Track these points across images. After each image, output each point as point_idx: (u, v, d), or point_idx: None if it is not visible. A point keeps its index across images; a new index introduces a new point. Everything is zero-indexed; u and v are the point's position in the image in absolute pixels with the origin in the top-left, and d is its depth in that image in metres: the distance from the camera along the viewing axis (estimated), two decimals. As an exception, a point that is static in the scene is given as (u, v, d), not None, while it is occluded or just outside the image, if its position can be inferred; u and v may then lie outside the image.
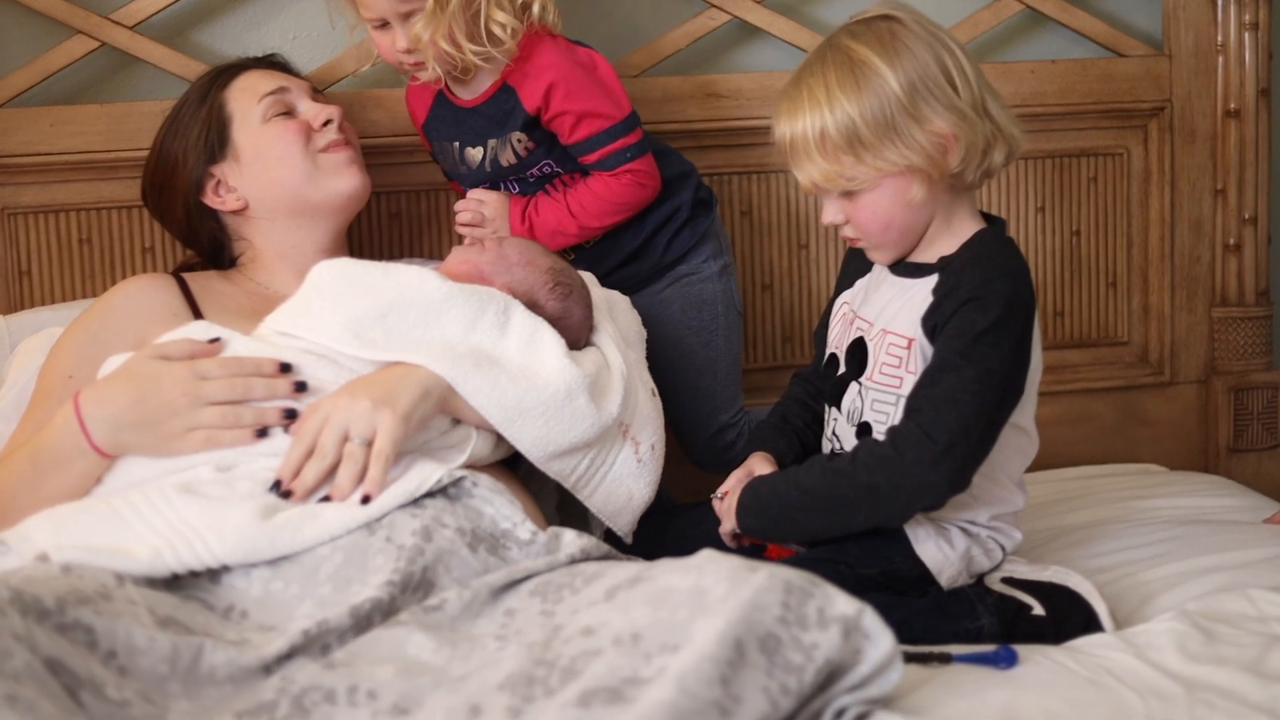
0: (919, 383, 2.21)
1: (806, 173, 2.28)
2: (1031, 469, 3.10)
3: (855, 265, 2.47)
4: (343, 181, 2.63)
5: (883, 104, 2.20)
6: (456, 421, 2.31)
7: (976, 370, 2.16)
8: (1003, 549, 2.37)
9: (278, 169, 2.60)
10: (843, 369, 2.40)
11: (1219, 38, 3.25)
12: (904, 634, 1.77)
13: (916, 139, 2.21)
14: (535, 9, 2.66)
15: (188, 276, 2.62)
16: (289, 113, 2.64)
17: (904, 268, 2.33)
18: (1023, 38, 3.29)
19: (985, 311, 2.18)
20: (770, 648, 1.69)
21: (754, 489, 2.33)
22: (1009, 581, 2.37)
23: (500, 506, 2.18)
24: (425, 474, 2.17)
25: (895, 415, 2.27)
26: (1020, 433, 2.34)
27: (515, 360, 2.31)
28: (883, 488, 2.19)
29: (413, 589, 2.01)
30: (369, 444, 2.16)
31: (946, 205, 2.30)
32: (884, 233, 2.29)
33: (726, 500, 2.38)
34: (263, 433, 2.23)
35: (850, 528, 2.28)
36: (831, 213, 2.31)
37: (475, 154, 2.75)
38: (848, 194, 2.28)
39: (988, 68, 3.06)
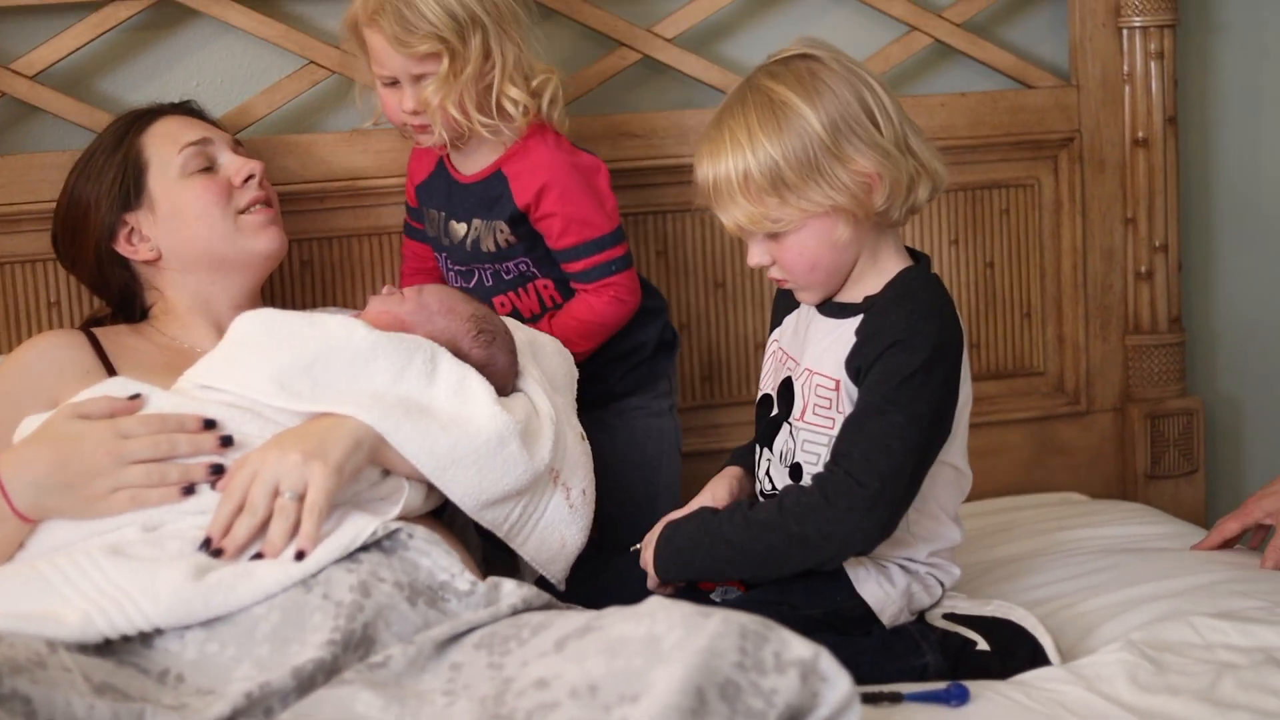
0: (845, 427, 2.20)
1: (731, 215, 2.25)
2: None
3: (784, 303, 2.46)
4: (261, 242, 2.58)
5: (805, 144, 2.18)
6: (386, 472, 2.28)
7: (904, 415, 2.16)
8: (942, 585, 2.37)
9: (195, 226, 2.54)
10: (775, 410, 2.38)
11: (1125, 67, 3.26)
12: (850, 674, 1.76)
13: (840, 179, 2.19)
14: (545, 99, 2.65)
15: (98, 332, 2.56)
16: (210, 167, 2.57)
17: (830, 307, 2.32)
18: (932, 71, 3.29)
19: (911, 354, 2.17)
20: (730, 695, 1.68)
21: (669, 540, 2.31)
22: (951, 617, 2.36)
23: (437, 557, 2.15)
24: (360, 527, 2.14)
25: (826, 457, 2.26)
26: (952, 469, 2.33)
27: (445, 409, 2.28)
28: (813, 537, 2.19)
29: (354, 646, 1.99)
30: (300, 498, 2.12)
31: (872, 243, 2.28)
32: (810, 273, 2.27)
33: (644, 553, 2.36)
34: (189, 490, 2.19)
35: (779, 574, 2.27)
36: (757, 254, 2.29)
37: (459, 229, 2.72)
38: (773, 235, 2.25)
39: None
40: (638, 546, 2.39)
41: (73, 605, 1.99)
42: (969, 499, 3.06)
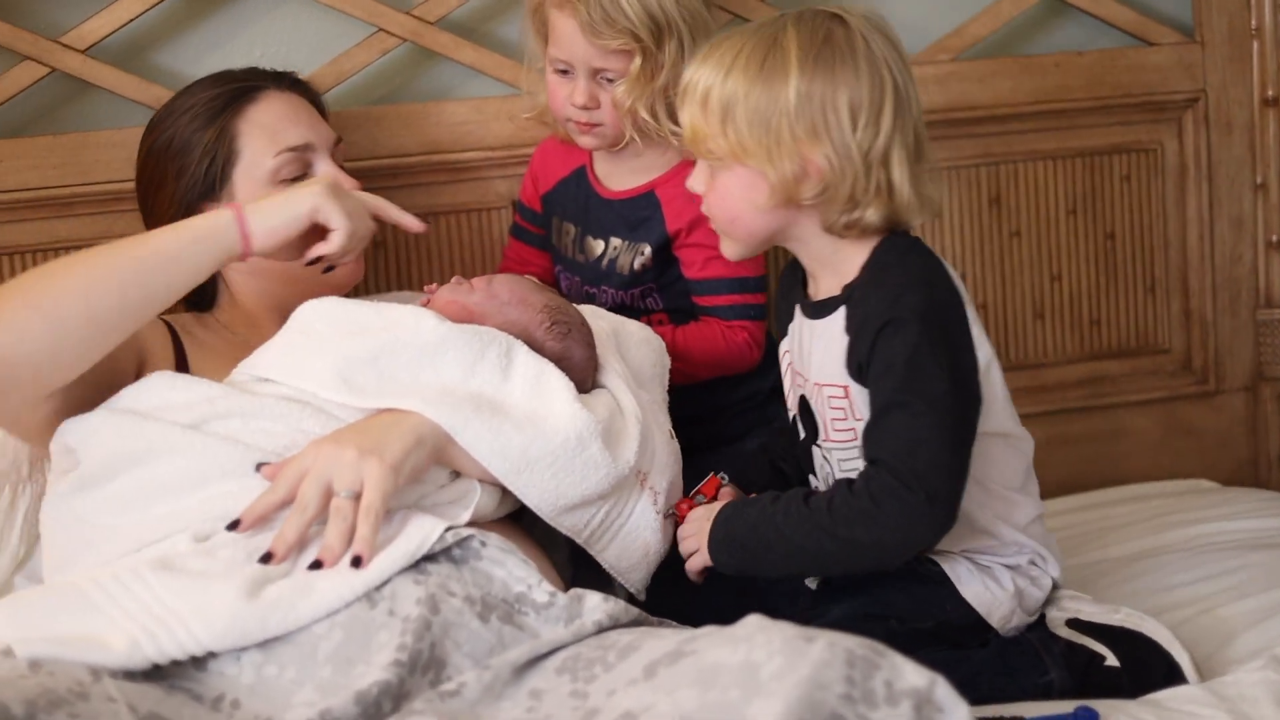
0: (869, 428, 2.03)
1: (684, 118, 2.14)
2: (1070, 491, 2.92)
3: (785, 305, 2.29)
4: (338, 273, 2.42)
5: (771, 102, 2.04)
6: (456, 474, 2.14)
7: (923, 401, 1.98)
8: (1048, 573, 2.21)
9: None
10: (802, 434, 2.24)
11: (1253, 21, 3.13)
12: (968, 696, 1.62)
13: (783, 151, 2.04)
14: None
15: (173, 320, 2.42)
16: (302, 175, 2.42)
17: (814, 308, 2.16)
18: (1046, 28, 3.16)
19: (904, 334, 2.00)
20: (836, 732, 1.55)
21: (726, 524, 2.14)
22: (1076, 625, 2.21)
23: (513, 567, 2.01)
24: (426, 531, 2.00)
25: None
26: (1000, 439, 2.15)
27: (520, 406, 2.14)
28: (865, 543, 2.02)
29: (422, 668, 1.85)
30: (357, 498, 1.99)
31: (810, 229, 2.12)
32: (729, 224, 2.15)
33: (692, 532, 2.19)
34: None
35: (834, 574, 2.18)
36: (696, 178, 2.16)
37: (596, 246, 2.64)
38: (714, 166, 2.13)
39: (1009, 61, 3.00)
40: (673, 513, 2.25)
41: (119, 628, 1.86)
42: (1088, 487, 2.96)
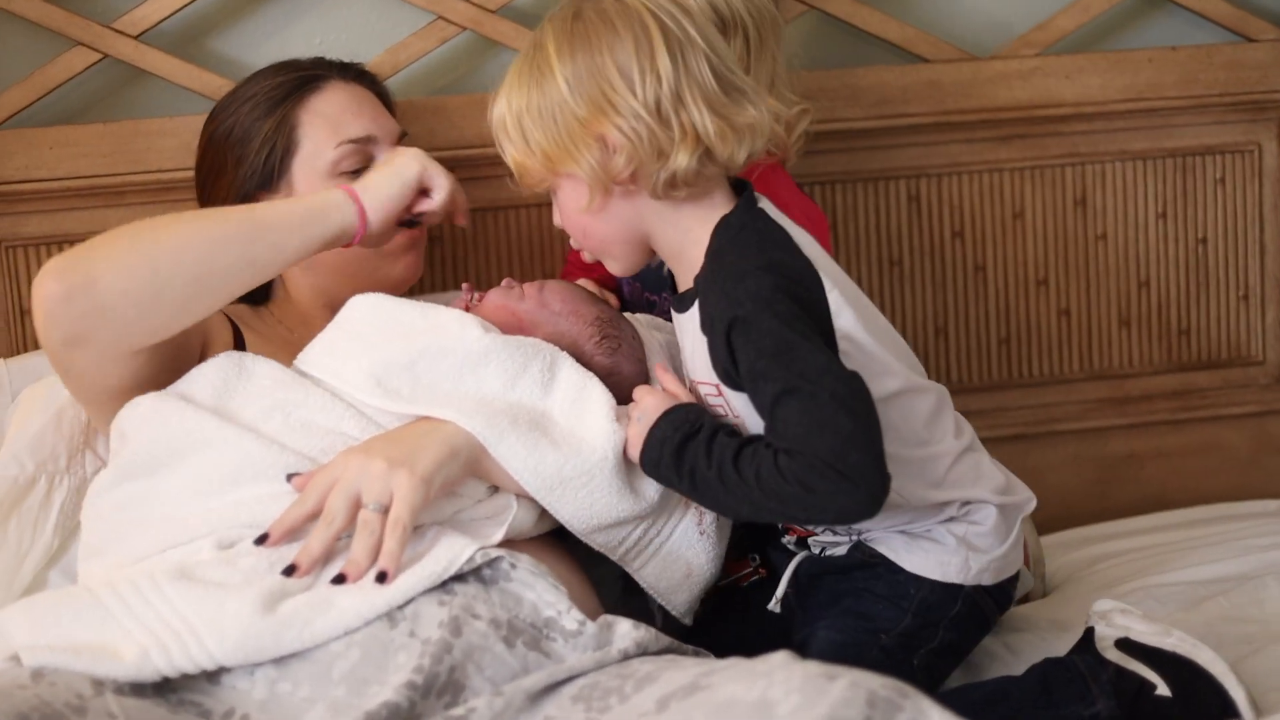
0: (768, 424, 1.92)
1: (506, 157, 2.10)
2: (1153, 508, 2.82)
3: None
4: (397, 269, 2.39)
5: (547, 99, 2.01)
6: (494, 488, 2.07)
7: (808, 381, 1.87)
8: (988, 503, 2.11)
9: None
10: None
11: None
12: None
13: (576, 140, 2.00)
14: (795, 133, 2.52)
15: (228, 309, 2.37)
16: (363, 169, 2.35)
17: (676, 302, 2.09)
18: (1138, 22, 3.06)
19: (756, 328, 1.90)
20: (854, 779, 1.49)
21: (661, 447, 2.01)
22: (1125, 646, 2.10)
23: (543, 591, 1.94)
24: (455, 552, 1.93)
25: None
26: (888, 402, 2.02)
27: (560, 422, 2.07)
28: (801, 516, 1.98)
29: (437, 692, 1.79)
30: (385, 510, 1.93)
31: (668, 213, 2.04)
32: (586, 240, 2.10)
33: (636, 422, 2.07)
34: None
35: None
36: (555, 214, 2.13)
37: None
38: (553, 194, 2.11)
39: (1098, 57, 2.90)
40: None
41: (131, 638, 1.82)
42: (1171, 504, 2.92)
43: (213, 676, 1.82)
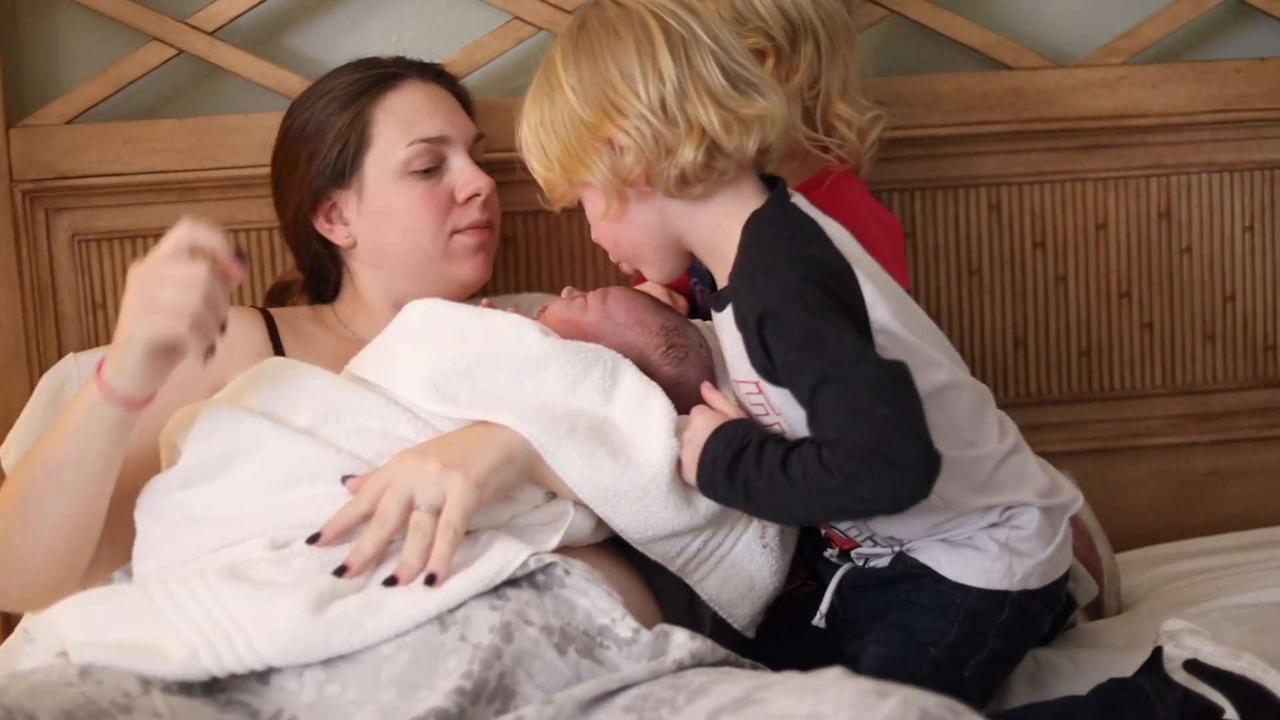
0: (809, 417, 1.90)
1: (538, 179, 2.13)
2: (1236, 526, 2.77)
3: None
4: (464, 270, 2.37)
5: (558, 111, 2.04)
6: (552, 494, 2.05)
7: (841, 369, 1.85)
8: (1032, 506, 2.06)
9: (399, 235, 2.34)
10: None
11: None
12: None
13: (586, 147, 2.02)
14: (869, 139, 2.47)
15: (276, 312, 2.39)
16: (435, 169, 2.35)
17: (714, 301, 2.07)
18: (1227, 32, 2.99)
19: (786, 321, 1.89)
20: (905, 798, 1.46)
21: (713, 467, 1.99)
22: (1194, 668, 2.05)
23: (597, 599, 1.91)
24: (508, 556, 1.91)
25: None
26: (936, 396, 1.99)
27: (619, 430, 2.05)
28: (852, 509, 1.93)
29: (487, 698, 1.77)
30: (437, 513, 1.92)
31: (696, 212, 2.04)
32: (618, 248, 2.11)
33: (689, 444, 2.05)
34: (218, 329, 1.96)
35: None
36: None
37: None
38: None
39: (1184, 67, 2.84)
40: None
41: (180, 637, 1.81)
42: (1261, 523, 2.78)
43: (262, 677, 1.81)
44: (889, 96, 2.74)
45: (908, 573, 2.05)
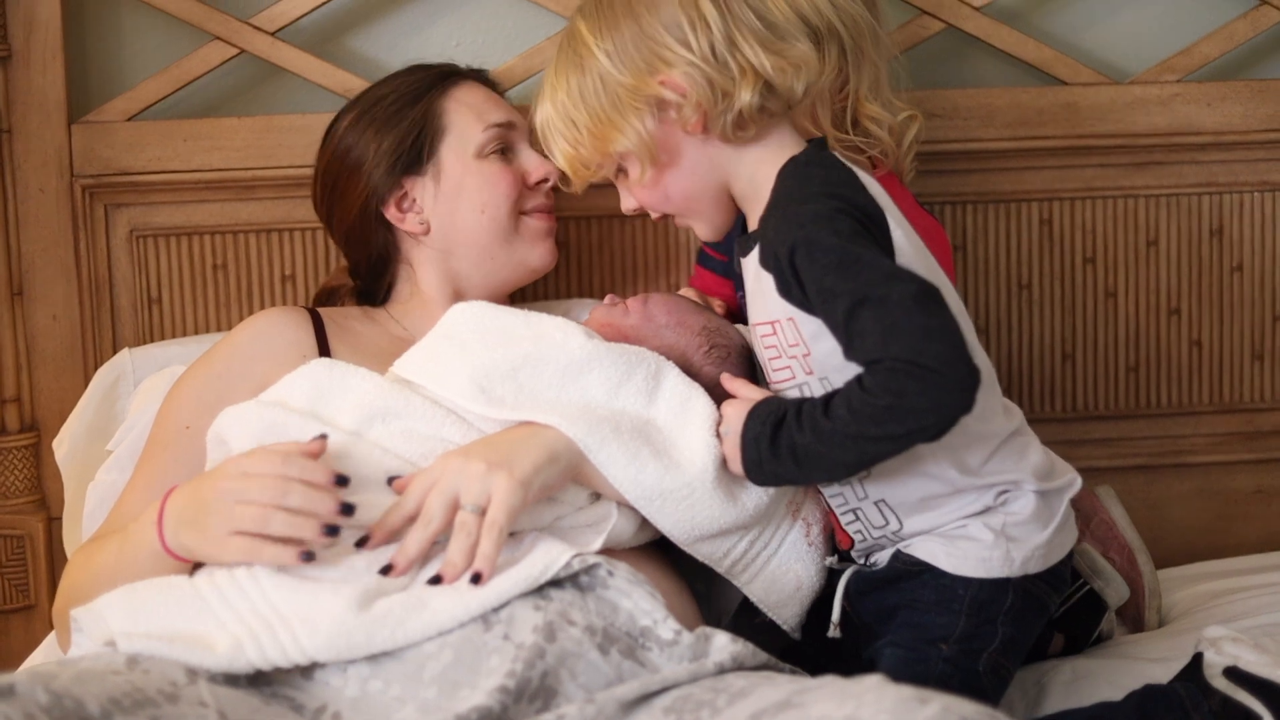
0: (846, 344, 1.90)
1: (557, 159, 2.17)
2: (1277, 546, 2.78)
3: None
4: (535, 254, 2.43)
5: (590, 78, 2.07)
6: (596, 496, 2.06)
7: (877, 288, 1.85)
8: (1024, 489, 2.05)
9: (476, 214, 2.38)
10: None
11: None
12: None
13: (626, 106, 2.05)
14: (905, 141, 2.43)
15: (324, 312, 2.40)
16: (508, 151, 2.42)
17: (742, 243, 2.09)
18: None
19: (817, 247, 1.90)
20: (942, 806, 1.46)
21: (756, 445, 1.99)
22: (1233, 675, 2.04)
23: (640, 600, 1.92)
24: (552, 556, 1.93)
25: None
26: None
27: (663, 431, 2.06)
28: (900, 433, 1.88)
29: (529, 697, 1.78)
30: (483, 513, 1.93)
31: (741, 157, 2.09)
32: (669, 203, 2.14)
33: (726, 436, 2.05)
34: (308, 555, 1.91)
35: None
36: (623, 200, 2.20)
37: None
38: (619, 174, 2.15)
39: (1240, 85, 2.83)
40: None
41: (226, 629, 1.84)
42: (1275, 542, 2.86)
43: (306, 672, 1.83)
44: (943, 109, 2.75)
45: (908, 571, 2.05)
